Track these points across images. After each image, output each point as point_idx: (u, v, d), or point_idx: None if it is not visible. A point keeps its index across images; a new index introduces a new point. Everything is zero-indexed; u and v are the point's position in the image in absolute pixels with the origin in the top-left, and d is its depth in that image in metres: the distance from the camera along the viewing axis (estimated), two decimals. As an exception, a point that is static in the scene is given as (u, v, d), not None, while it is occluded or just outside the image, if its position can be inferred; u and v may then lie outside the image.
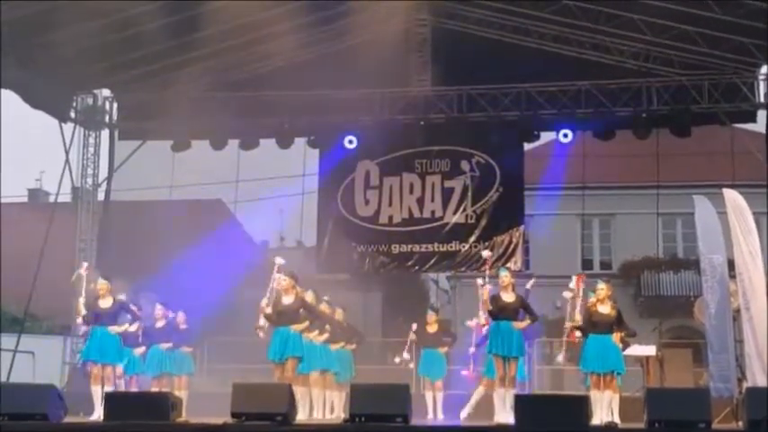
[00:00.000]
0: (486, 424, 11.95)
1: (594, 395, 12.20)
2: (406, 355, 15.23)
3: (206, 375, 17.14)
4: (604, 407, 12.21)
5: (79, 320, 13.81)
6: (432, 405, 14.81)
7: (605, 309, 12.50)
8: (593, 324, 12.47)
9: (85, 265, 14.05)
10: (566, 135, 19.20)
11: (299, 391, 12.45)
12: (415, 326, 15.26)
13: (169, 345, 14.39)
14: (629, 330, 13.42)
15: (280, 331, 12.30)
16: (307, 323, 12.61)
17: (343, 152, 19.86)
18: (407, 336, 15.57)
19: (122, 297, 13.40)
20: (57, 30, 16.28)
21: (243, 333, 16.16)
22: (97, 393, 12.49)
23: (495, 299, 12.38)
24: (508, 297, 12.38)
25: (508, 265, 18.87)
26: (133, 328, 13.44)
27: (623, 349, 13.04)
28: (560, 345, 13.97)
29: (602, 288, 12.61)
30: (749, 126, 19.50)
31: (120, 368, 13.78)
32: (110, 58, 17.86)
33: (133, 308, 13.51)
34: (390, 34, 18.77)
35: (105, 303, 12.85)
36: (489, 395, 13.29)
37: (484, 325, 13.96)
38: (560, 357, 14.09)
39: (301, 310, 12.47)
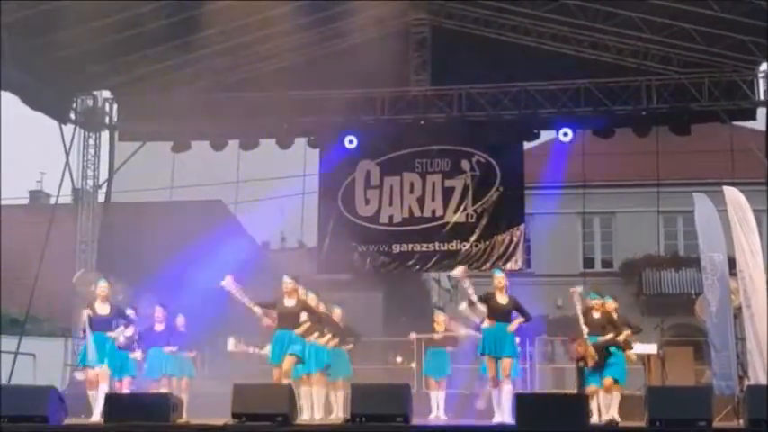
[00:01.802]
0: (486, 423, 11.93)
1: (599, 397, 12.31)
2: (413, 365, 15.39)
3: (207, 376, 17.12)
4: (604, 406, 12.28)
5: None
6: (435, 404, 14.80)
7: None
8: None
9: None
10: (566, 134, 19.19)
11: (300, 392, 12.45)
12: (413, 335, 15.37)
13: (172, 348, 14.37)
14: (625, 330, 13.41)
15: (281, 335, 12.30)
16: (308, 325, 12.61)
17: (344, 152, 19.86)
18: (409, 336, 15.63)
19: (120, 298, 13.30)
20: (56, 31, 16.30)
21: (244, 333, 16.15)
22: (94, 397, 12.41)
23: (488, 299, 12.36)
24: (502, 299, 12.35)
25: (508, 264, 18.90)
26: (128, 332, 13.38)
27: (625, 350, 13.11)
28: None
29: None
30: (749, 124, 19.48)
31: (127, 379, 13.80)
32: (109, 60, 17.88)
33: (130, 312, 13.47)
34: (390, 34, 18.83)
35: (103, 309, 12.67)
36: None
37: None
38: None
39: (302, 312, 12.48)
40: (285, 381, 11.91)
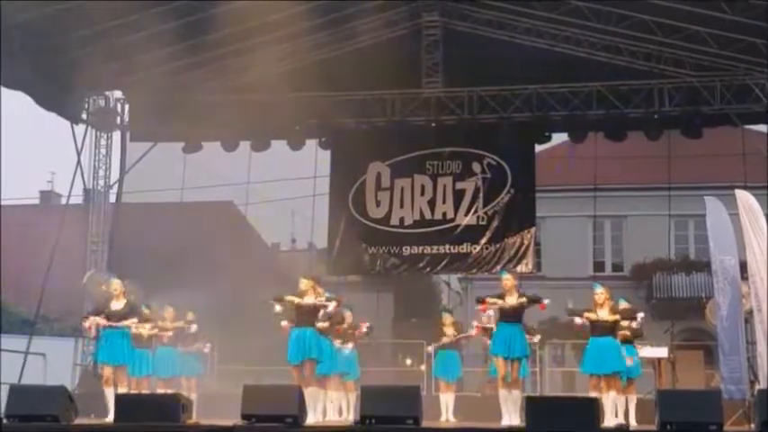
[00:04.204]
0: (494, 426, 11.88)
1: (600, 397, 12.18)
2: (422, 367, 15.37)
3: (216, 377, 17.14)
4: (610, 407, 12.19)
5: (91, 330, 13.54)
6: (445, 407, 14.78)
7: (604, 313, 12.45)
8: (593, 328, 12.45)
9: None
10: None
11: (314, 393, 12.46)
12: (431, 348, 15.29)
13: (185, 346, 14.41)
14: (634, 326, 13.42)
15: (298, 332, 12.35)
16: (327, 325, 12.72)
17: (355, 153, 19.86)
18: (418, 338, 15.60)
19: (132, 298, 13.25)
20: (69, 32, 16.34)
21: (253, 335, 16.17)
22: (110, 395, 12.35)
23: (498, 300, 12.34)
24: (511, 299, 12.32)
25: (519, 267, 18.87)
26: (147, 328, 13.34)
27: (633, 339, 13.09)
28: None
29: (601, 292, 12.56)
30: (761, 127, 19.44)
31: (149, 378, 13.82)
32: (121, 60, 17.89)
33: (145, 311, 13.46)
34: (402, 36, 18.84)
35: (117, 305, 12.66)
36: (495, 396, 13.27)
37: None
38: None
39: (321, 311, 12.58)
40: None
